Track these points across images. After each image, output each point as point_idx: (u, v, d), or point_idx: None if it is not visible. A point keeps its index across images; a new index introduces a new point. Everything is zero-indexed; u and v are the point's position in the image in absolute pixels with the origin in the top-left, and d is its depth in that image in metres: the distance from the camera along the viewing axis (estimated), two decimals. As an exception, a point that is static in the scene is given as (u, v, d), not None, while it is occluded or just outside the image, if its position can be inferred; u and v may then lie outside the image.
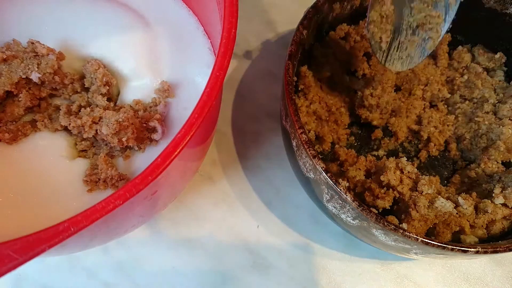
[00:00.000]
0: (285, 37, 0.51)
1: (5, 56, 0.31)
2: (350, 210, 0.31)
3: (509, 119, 0.41)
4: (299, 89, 0.40)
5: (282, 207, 0.43)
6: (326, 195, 0.32)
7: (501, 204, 0.36)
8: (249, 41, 0.50)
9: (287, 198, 0.44)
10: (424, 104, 0.44)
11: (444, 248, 0.29)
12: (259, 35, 0.51)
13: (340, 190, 0.30)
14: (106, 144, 0.33)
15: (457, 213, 0.35)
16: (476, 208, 0.36)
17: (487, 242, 0.35)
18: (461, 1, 0.32)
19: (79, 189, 0.31)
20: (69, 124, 0.32)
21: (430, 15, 0.33)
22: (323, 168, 0.30)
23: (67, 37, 0.34)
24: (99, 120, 0.32)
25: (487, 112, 0.42)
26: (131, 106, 0.33)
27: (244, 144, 0.46)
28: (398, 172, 0.36)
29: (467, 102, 0.43)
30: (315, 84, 0.41)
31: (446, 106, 0.44)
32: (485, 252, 0.30)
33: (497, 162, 0.41)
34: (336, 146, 0.40)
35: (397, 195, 0.35)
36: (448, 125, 0.43)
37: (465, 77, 0.44)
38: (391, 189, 0.36)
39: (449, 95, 0.43)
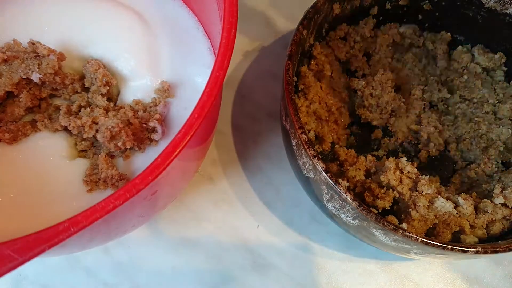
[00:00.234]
0: (285, 37, 0.51)
1: (5, 57, 0.31)
2: (350, 210, 0.31)
3: (509, 119, 0.41)
4: (299, 89, 0.40)
5: (282, 207, 0.43)
6: (326, 195, 0.32)
7: (501, 204, 0.36)
8: (249, 41, 0.50)
9: (287, 198, 0.44)
10: (424, 104, 0.44)
11: (444, 248, 0.29)
12: (259, 35, 0.51)
13: (340, 190, 0.30)
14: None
15: (457, 213, 0.35)
16: (476, 208, 0.36)
17: (487, 242, 0.35)
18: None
19: (79, 189, 0.31)
20: (69, 124, 0.32)
21: None
22: (323, 168, 0.30)
23: (67, 37, 0.34)
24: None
25: (487, 112, 0.42)
26: (131, 106, 0.33)
27: (244, 144, 0.46)
28: (398, 172, 0.36)
29: (467, 102, 0.43)
30: (315, 84, 0.41)
31: (446, 106, 0.44)
32: (485, 252, 0.30)
33: (497, 162, 0.41)
34: (336, 146, 0.40)
35: (397, 195, 0.35)
36: (448, 125, 0.43)
37: (465, 77, 0.43)
38: (391, 189, 0.36)
39: (449, 95, 0.43)
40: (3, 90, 0.31)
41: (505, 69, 0.43)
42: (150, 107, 0.33)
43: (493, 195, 0.36)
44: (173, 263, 0.41)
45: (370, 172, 0.38)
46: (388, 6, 0.43)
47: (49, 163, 0.31)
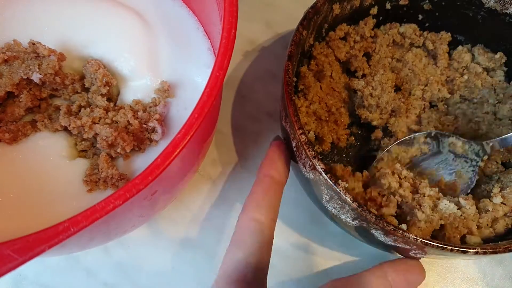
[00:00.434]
0: (285, 37, 0.51)
1: (6, 57, 0.31)
2: (350, 210, 0.31)
3: (509, 119, 0.41)
4: (299, 89, 0.40)
5: (282, 207, 0.43)
6: (325, 196, 0.32)
7: (499, 203, 0.36)
8: (249, 41, 0.50)
9: (287, 198, 0.43)
10: (424, 104, 0.44)
11: (443, 248, 0.29)
12: (259, 35, 0.51)
13: (340, 190, 0.30)
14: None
15: (461, 215, 0.35)
16: (476, 208, 0.36)
17: (492, 242, 0.35)
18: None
19: (79, 189, 0.31)
20: (69, 124, 0.32)
21: None
22: (323, 169, 0.30)
23: (67, 37, 0.34)
24: (98, 121, 0.32)
25: (487, 112, 0.42)
26: (130, 106, 0.33)
27: (244, 144, 0.46)
28: (396, 175, 0.36)
29: (467, 102, 0.43)
30: (315, 85, 0.41)
31: (446, 106, 0.44)
32: (485, 253, 0.30)
33: (497, 163, 0.41)
34: (332, 164, 0.40)
35: (400, 199, 0.35)
36: (448, 125, 0.43)
37: (465, 77, 0.43)
38: (392, 195, 0.35)
39: (449, 95, 0.43)
40: (3, 90, 0.31)
41: (505, 69, 0.43)
42: (150, 107, 0.33)
43: (492, 194, 0.36)
44: (173, 263, 0.41)
45: (367, 185, 0.38)
46: (388, 6, 0.43)
47: (49, 163, 0.32)
